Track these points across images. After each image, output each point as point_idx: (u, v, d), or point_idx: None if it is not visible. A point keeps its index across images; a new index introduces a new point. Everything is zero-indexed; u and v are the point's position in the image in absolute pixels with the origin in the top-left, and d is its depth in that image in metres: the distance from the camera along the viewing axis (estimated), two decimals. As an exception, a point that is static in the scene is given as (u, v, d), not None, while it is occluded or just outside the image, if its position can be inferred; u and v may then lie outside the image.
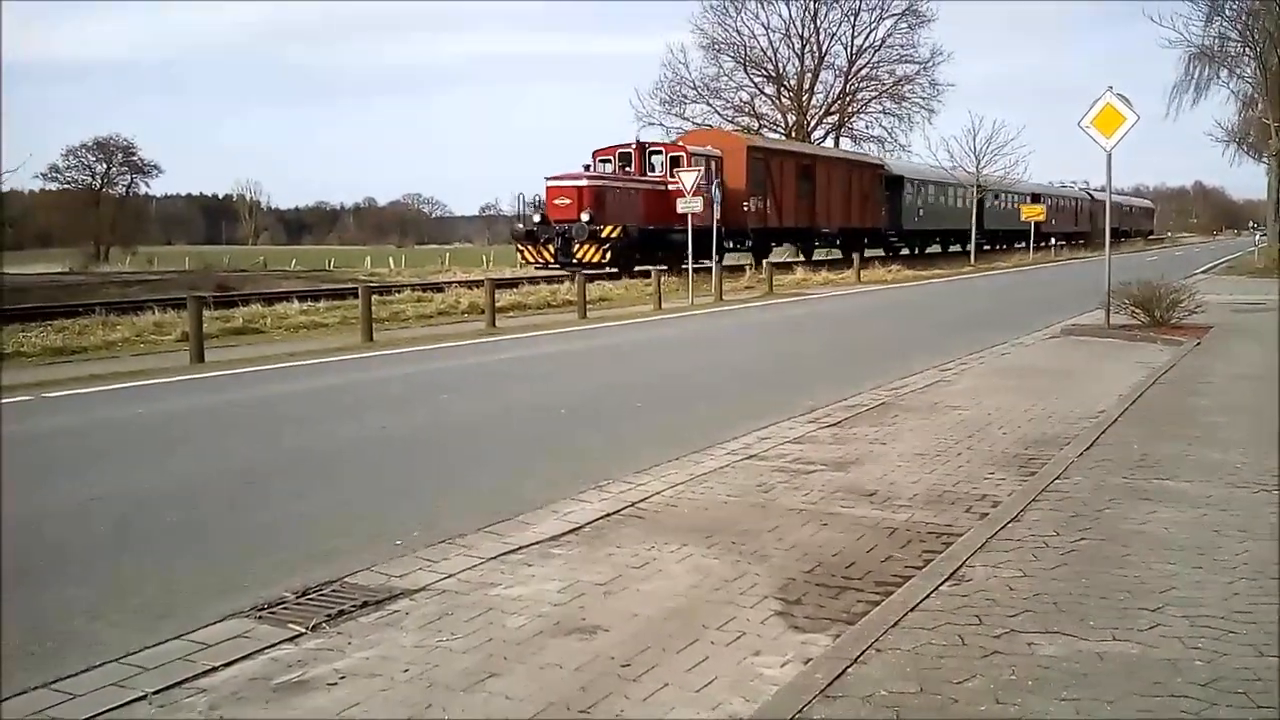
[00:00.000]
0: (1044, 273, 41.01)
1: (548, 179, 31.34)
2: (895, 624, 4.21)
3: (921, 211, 50.72)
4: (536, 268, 30.80)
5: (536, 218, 31.04)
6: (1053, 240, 61.29)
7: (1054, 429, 8.60)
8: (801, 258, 44.28)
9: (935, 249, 55.96)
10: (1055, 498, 6.16)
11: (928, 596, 4.52)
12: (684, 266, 30.93)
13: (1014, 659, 3.87)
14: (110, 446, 8.49)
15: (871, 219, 46.20)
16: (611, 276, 29.92)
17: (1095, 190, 75.51)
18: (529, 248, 30.86)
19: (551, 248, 30.25)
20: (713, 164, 33.87)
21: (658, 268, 25.48)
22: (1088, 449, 7.45)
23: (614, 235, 29.94)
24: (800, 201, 40.55)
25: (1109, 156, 15.80)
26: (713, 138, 37.95)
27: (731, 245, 36.18)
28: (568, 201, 30.32)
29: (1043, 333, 16.39)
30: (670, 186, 31.64)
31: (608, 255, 30.00)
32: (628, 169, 33.54)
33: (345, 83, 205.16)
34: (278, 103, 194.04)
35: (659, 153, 34.59)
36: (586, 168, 32.88)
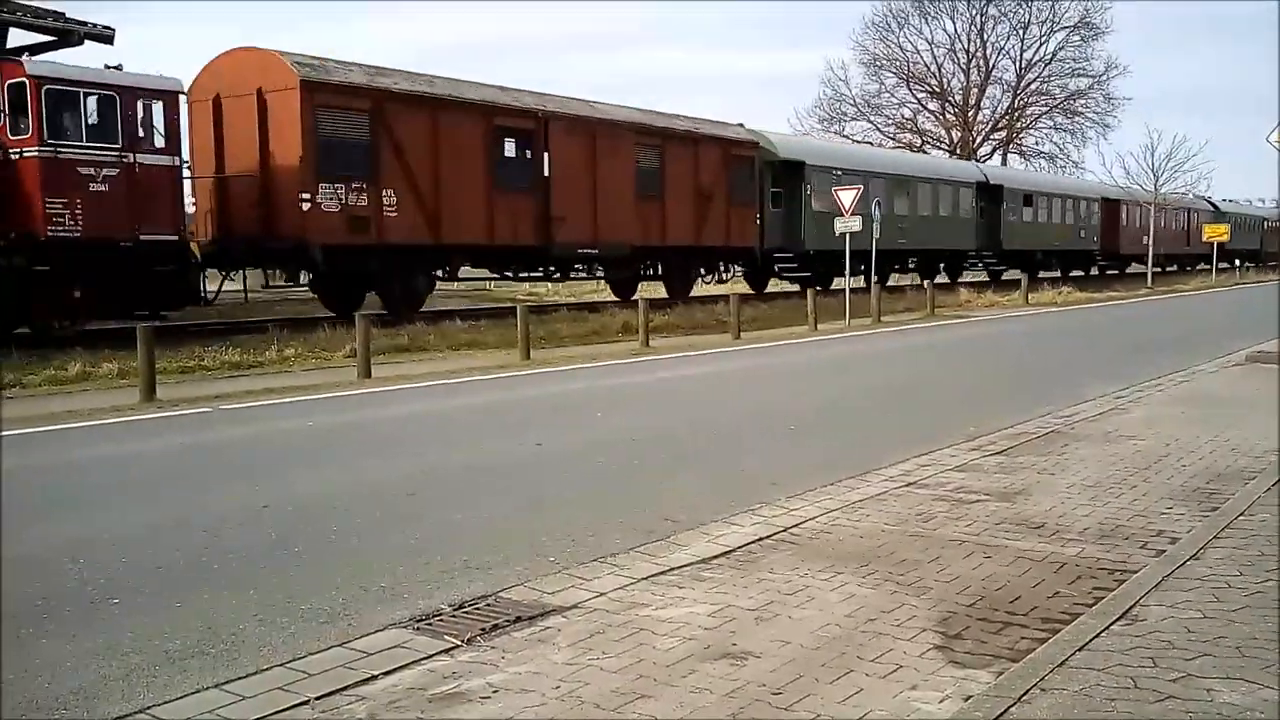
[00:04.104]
0: (1227, 295, 38.85)
1: None
2: (1062, 663, 4.01)
3: (859, 221, 25.93)
4: None
5: None
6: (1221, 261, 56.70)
7: (1238, 462, 8.10)
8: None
9: (906, 278, 37.24)
10: (1239, 535, 5.78)
11: (1098, 635, 4.29)
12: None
13: (1191, 705, 3.63)
14: (281, 457, 8.88)
15: (722, 234, 27.92)
16: None
17: (1220, 201, 64.10)
18: None
19: None
20: (142, 108, 16.99)
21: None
22: (1275, 484, 6.98)
23: None
24: (501, 196, 22.35)
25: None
26: (240, 62, 19.83)
27: (299, 271, 21.40)
28: None
29: (1225, 359, 15.52)
30: (16, 153, 15.88)
31: None
32: None
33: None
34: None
35: None
36: None
